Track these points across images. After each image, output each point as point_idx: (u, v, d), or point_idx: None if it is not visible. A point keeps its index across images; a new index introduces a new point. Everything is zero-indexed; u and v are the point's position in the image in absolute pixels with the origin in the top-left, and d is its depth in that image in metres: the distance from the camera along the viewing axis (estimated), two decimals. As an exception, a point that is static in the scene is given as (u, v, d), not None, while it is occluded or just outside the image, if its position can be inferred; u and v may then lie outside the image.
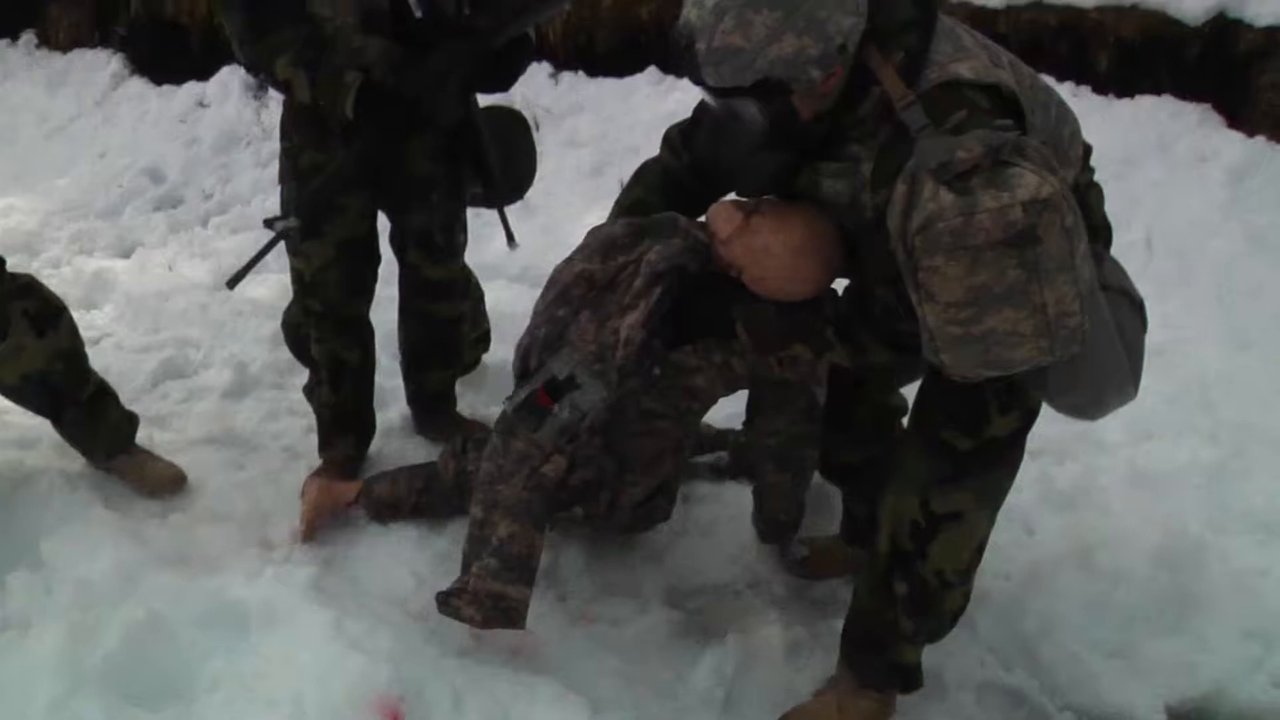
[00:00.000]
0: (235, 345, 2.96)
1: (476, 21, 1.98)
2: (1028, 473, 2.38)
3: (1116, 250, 2.85)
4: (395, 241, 2.36)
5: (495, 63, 2.06)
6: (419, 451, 2.46)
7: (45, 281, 3.24)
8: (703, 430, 2.28)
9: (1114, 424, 2.49)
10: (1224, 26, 3.09)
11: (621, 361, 1.68)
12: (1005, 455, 1.60)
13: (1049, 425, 2.49)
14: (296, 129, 2.10)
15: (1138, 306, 1.56)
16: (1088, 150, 1.59)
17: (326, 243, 2.17)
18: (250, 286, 3.24)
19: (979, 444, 1.55)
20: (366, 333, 2.36)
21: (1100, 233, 1.60)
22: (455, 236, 2.33)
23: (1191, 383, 2.58)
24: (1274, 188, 2.96)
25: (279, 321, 2.92)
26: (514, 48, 2.06)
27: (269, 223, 2.00)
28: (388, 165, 2.12)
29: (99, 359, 2.77)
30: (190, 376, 2.87)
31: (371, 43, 1.96)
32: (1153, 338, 2.65)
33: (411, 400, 2.55)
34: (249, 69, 2.09)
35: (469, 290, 2.51)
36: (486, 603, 1.74)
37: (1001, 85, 1.35)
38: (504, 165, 2.23)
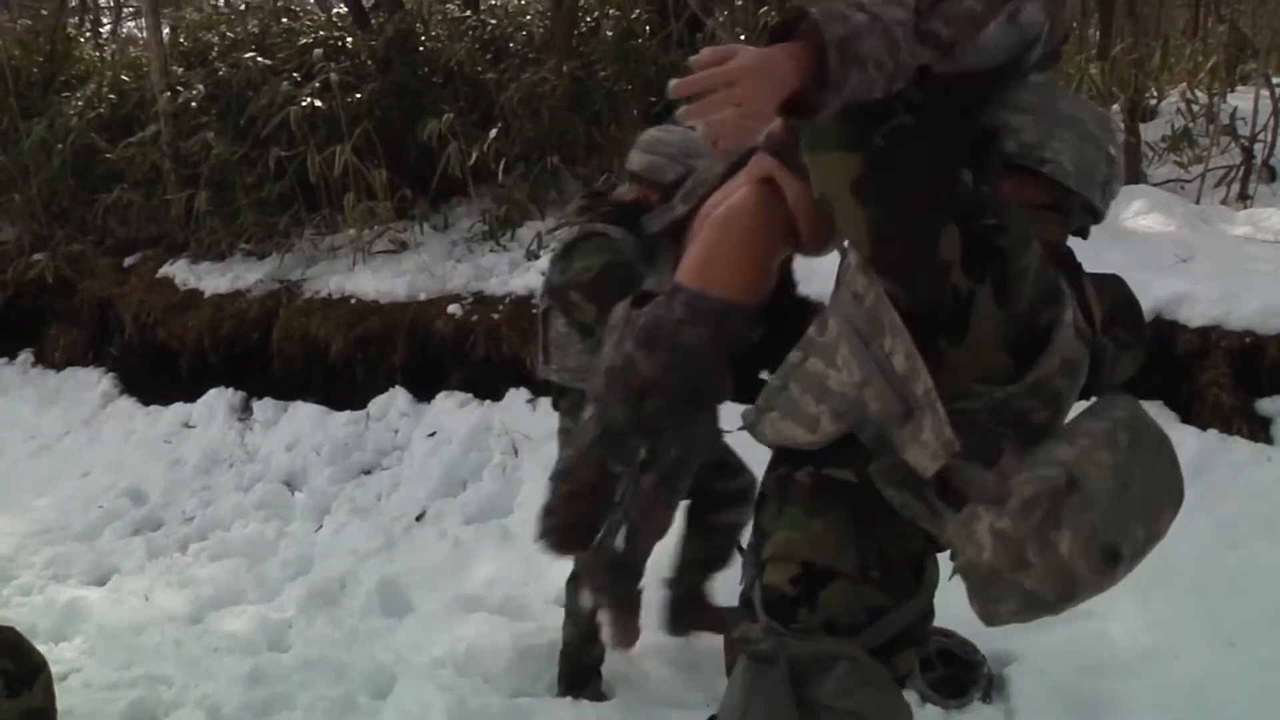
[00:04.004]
0: (209, 684, 2.87)
1: None
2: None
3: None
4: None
5: None
6: None
7: (15, 611, 3.19)
8: None
9: (1114, 740, 2.46)
10: (1162, 328, 3.27)
11: None
12: None
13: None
14: None
15: None
16: None
17: None
18: (226, 620, 3.25)
19: None
20: None
21: None
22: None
23: (1183, 688, 2.53)
24: (1235, 479, 3.03)
25: (255, 659, 2.88)
26: None
27: None
28: None
29: (64, 698, 2.67)
30: (159, 720, 2.77)
31: None
32: (1137, 640, 2.69)
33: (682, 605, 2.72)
34: None
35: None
36: None
37: None
38: None
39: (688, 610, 2.73)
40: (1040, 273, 1.27)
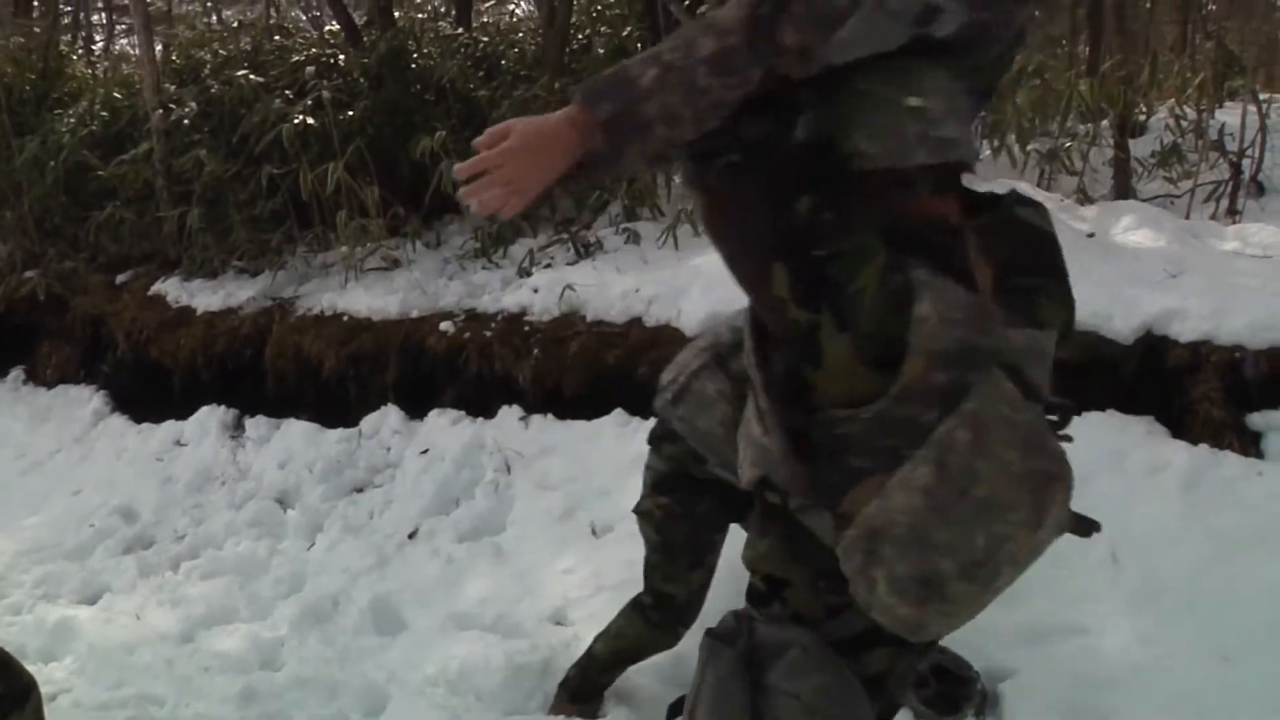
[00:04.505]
0: (201, 704, 2.86)
1: None
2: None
3: (1082, 568, 2.93)
4: None
5: None
6: None
7: (4, 631, 3.18)
8: None
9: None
10: (1152, 343, 3.28)
11: None
12: None
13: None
14: None
15: None
16: None
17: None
18: (218, 639, 3.23)
19: None
20: None
21: None
22: None
23: (1178, 702, 2.53)
24: (1227, 494, 3.04)
25: (248, 678, 2.87)
26: None
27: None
28: None
29: (54, 719, 2.67)
30: (151, 740, 2.76)
31: None
32: (1131, 655, 2.69)
33: None
34: None
35: None
36: None
37: None
38: None
39: None
40: (882, 286, 1.23)
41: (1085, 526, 1.34)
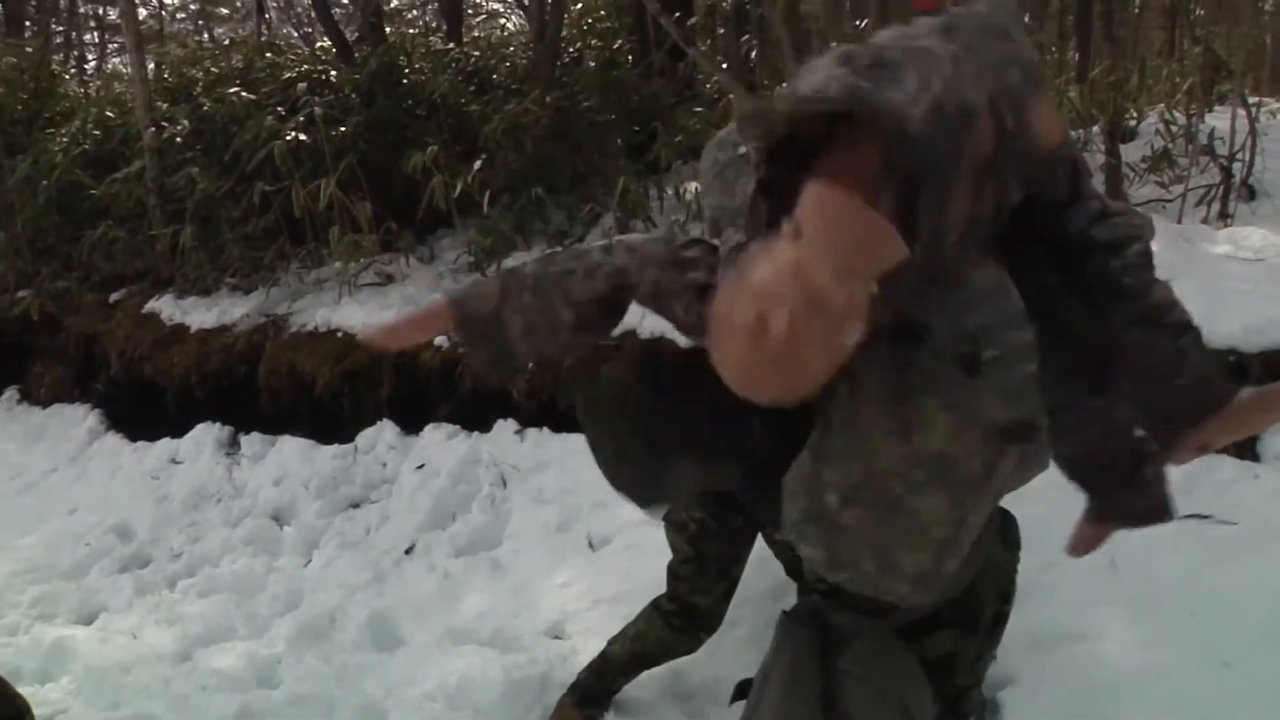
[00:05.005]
0: (198, 721, 2.85)
1: None
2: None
3: (1079, 574, 2.92)
4: None
5: None
6: None
7: (0, 652, 3.17)
8: None
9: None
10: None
11: None
12: None
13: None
14: None
15: None
16: None
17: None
18: (215, 657, 3.22)
19: None
20: None
21: None
22: None
23: (1178, 709, 2.52)
24: (1223, 497, 3.04)
25: (245, 696, 2.85)
26: None
27: None
28: None
29: (51, 741, 2.66)
30: (148, 760, 2.74)
31: None
32: (1130, 661, 2.68)
33: None
34: None
35: None
36: None
37: None
38: None
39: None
40: None
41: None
